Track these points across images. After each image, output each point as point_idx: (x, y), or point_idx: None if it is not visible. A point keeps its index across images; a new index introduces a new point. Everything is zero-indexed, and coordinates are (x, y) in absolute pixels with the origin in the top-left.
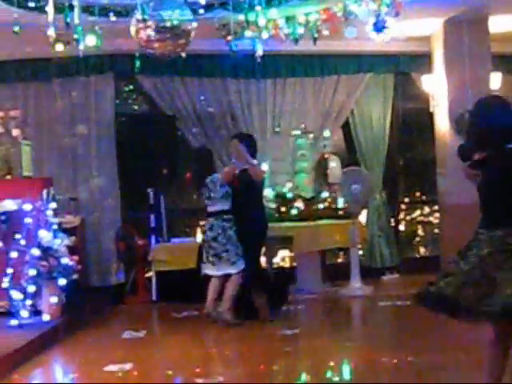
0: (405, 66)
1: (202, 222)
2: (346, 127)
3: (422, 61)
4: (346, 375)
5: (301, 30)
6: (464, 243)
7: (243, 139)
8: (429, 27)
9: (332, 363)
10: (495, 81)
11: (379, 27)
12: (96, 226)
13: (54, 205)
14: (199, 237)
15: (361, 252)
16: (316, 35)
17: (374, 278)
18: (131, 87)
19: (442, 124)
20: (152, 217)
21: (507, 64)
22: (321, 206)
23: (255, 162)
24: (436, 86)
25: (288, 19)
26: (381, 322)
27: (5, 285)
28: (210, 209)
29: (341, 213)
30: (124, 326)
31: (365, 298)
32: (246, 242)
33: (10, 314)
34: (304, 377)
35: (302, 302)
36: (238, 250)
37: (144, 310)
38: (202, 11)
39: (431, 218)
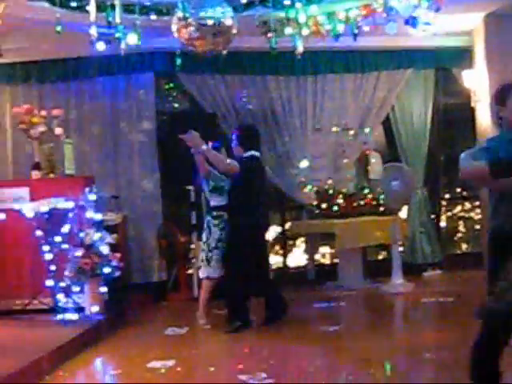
0: (445, 62)
1: None
2: (386, 123)
3: (462, 56)
4: (388, 372)
5: (341, 27)
6: None
7: (236, 129)
8: (470, 22)
9: (373, 360)
10: None
11: (413, 23)
12: (138, 224)
13: (95, 203)
14: None
15: (402, 248)
16: (356, 31)
17: (415, 274)
18: (171, 85)
19: (484, 119)
20: (193, 214)
21: None
22: (362, 202)
23: (204, 147)
24: (477, 82)
25: (328, 15)
26: (423, 318)
27: (48, 282)
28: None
29: (382, 209)
30: (166, 322)
31: (406, 295)
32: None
33: (54, 310)
34: (346, 374)
35: (342, 298)
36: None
37: (186, 306)
38: (242, 9)
39: (472, 214)
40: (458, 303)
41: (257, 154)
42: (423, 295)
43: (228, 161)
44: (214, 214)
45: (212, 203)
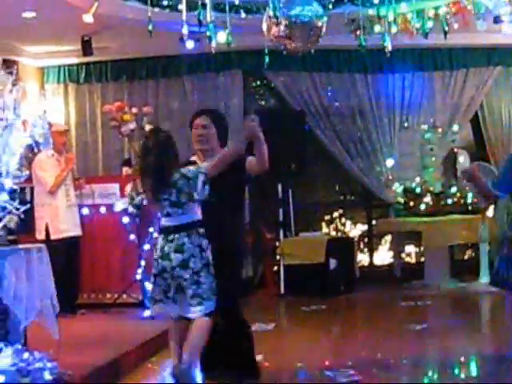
0: None
1: (327, 217)
2: (474, 121)
3: None
4: (474, 372)
5: (430, 24)
6: None
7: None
8: None
9: (461, 359)
10: None
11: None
12: None
13: None
14: (325, 231)
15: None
16: (446, 29)
17: None
18: (259, 83)
19: None
20: (280, 211)
21: None
22: (449, 201)
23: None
24: None
25: (417, 13)
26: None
27: (138, 277)
28: None
29: (470, 208)
30: (253, 318)
31: (493, 295)
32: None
33: (143, 305)
34: (432, 371)
35: (429, 297)
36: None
37: (272, 302)
38: (331, 7)
39: None
40: None
41: None
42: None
43: None
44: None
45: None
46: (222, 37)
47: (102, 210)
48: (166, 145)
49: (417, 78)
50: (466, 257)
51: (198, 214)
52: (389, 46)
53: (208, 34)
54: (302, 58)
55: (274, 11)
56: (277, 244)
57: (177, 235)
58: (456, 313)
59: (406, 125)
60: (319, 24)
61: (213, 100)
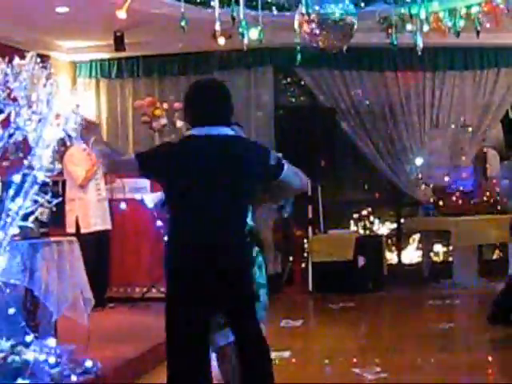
0: None
1: (355, 215)
2: (505, 121)
3: None
4: (504, 372)
5: (462, 23)
6: None
7: None
8: None
9: (489, 358)
10: None
11: None
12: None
13: None
14: (354, 229)
15: None
16: (479, 28)
17: None
18: (290, 80)
19: None
20: (309, 208)
21: None
22: (479, 200)
23: None
24: None
25: (449, 12)
26: None
27: None
28: None
29: (499, 207)
30: (281, 314)
31: None
32: None
33: None
34: (461, 372)
35: (457, 296)
36: None
37: (300, 299)
38: (363, 5)
39: None
40: None
41: None
42: None
43: None
44: None
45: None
46: (253, 34)
47: (133, 204)
48: None
49: (447, 76)
50: (494, 256)
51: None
52: (420, 45)
53: (241, 30)
54: (333, 56)
55: (306, 8)
56: (305, 241)
57: None
58: (483, 312)
59: (436, 124)
60: (351, 22)
61: (245, 96)
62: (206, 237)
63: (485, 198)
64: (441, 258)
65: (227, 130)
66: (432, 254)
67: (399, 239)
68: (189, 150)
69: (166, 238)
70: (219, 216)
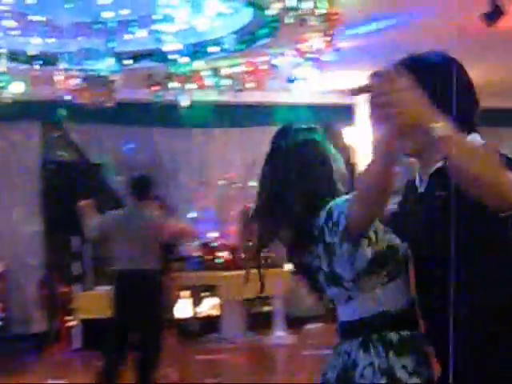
0: (328, 118)
1: None
2: None
3: (346, 113)
4: None
5: (226, 82)
6: None
7: None
8: (352, 79)
9: None
10: None
11: (295, 80)
12: (19, 273)
13: None
14: None
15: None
16: (240, 87)
17: (299, 326)
18: (58, 135)
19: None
20: (75, 264)
21: None
22: (245, 255)
23: None
24: (359, 138)
25: (213, 71)
26: (301, 371)
27: None
28: None
29: (266, 262)
30: (46, 374)
31: (288, 347)
32: None
33: None
34: None
35: (224, 351)
36: None
37: (67, 358)
38: (129, 61)
39: None
40: None
41: None
42: (304, 348)
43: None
44: None
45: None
46: (17, 87)
47: None
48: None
49: (215, 133)
50: (261, 310)
51: None
52: (185, 102)
53: (1, 84)
54: (101, 111)
55: (69, 64)
56: (72, 298)
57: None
58: (250, 366)
59: (204, 180)
60: (114, 78)
61: (9, 150)
62: None
63: (250, 253)
64: (209, 312)
65: None
66: (203, 309)
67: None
68: None
69: None
70: None
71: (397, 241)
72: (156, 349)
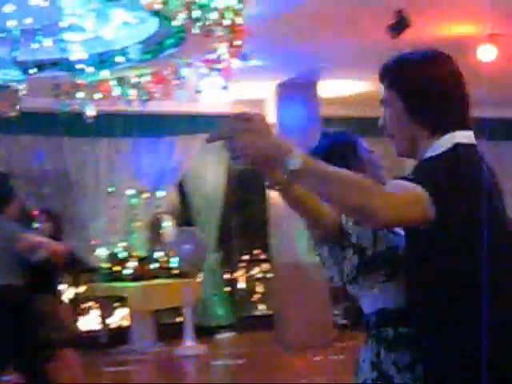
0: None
1: None
2: (180, 187)
3: None
4: None
5: (133, 92)
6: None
7: None
8: (262, 90)
9: None
10: None
11: (203, 90)
12: None
13: None
14: None
15: (193, 311)
16: (146, 97)
17: (209, 336)
18: None
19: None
20: None
21: (336, 127)
22: (155, 265)
23: None
24: None
25: (120, 81)
26: (211, 381)
27: None
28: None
29: (175, 272)
30: None
31: (198, 358)
32: None
33: None
34: None
35: (134, 362)
36: None
37: None
38: (34, 71)
39: (270, 275)
40: (247, 365)
41: None
42: (214, 358)
43: None
44: None
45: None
46: None
47: None
48: None
49: (124, 143)
50: (171, 320)
51: None
52: (91, 112)
53: None
54: (6, 121)
55: None
56: None
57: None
58: (159, 377)
59: (112, 189)
60: (17, 88)
61: None
62: None
63: (160, 264)
64: (119, 323)
65: None
66: (113, 320)
67: (78, 306)
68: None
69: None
70: None
71: (396, 241)
72: (33, 372)
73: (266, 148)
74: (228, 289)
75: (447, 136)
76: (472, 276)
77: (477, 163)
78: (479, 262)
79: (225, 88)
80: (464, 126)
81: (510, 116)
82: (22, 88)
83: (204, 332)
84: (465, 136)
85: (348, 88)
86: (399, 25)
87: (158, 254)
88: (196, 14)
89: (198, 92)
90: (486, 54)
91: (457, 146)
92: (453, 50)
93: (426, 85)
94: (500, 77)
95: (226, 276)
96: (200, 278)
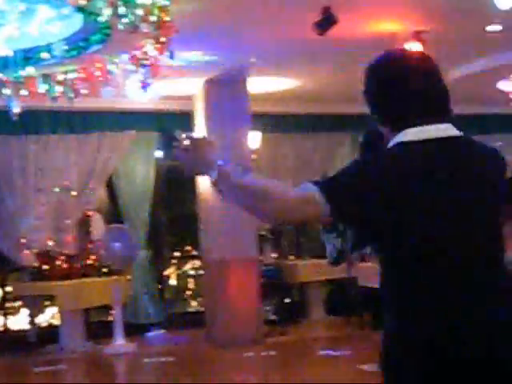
0: (168, 125)
1: None
2: (109, 184)
3: (184, 119)
4: None
5: (59, 88)
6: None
7: None
8: (190, 87)
9: None
10: (255, 139)
11: (132, 87)
12: None
13: None
14: None
15: (123, 309)
16: (72, 95)
17: (139, 334)
18: None
19: (203, 181)
20: None
21: (265, 123)
22: (84, 263)
23: None
24: None
25: (46, 77)
26: (143, 379)
27: None
28: None
29: (105, 270)
30: None
31: (129, 355)
32: None
33: None
34: None
35: (63, 361)
36: None
37: None
38: None
39: (202, 272)
40: (178, 362)
41: None
42: (145, 355)
43: None
44: None
45: None
46: None
47: None
48: None
49: (51, 140)
50: (101, 319)
51: None
52: (17, 109)
53: None
54: None
55: None
56: None
57: None
58: (89, 376)
59: (40, 187)
60: None
61: None
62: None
63: (89, 262)
64: (48, 322)
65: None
66: (40, 319)
67: (3, 305)
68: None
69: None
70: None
71: None
72: None
73: (200, 164)
74: (159, 286)
75: (400, 134)
76: (402, 262)
77: (408, 160)
78: (402, 250)
79: (150, 85)
80: (418, 123)
81: None
82: None
83: (134, 330)
84: (414, 133)
85: (276, 84)
86: (326, 22)
87: (87, 252)
88: (121, 9)
89: (127, 88)
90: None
91: (399, 144)
92: (380, 47)
93: (372, 86)
94: None
95: (157, 273)
96: (130, 275)
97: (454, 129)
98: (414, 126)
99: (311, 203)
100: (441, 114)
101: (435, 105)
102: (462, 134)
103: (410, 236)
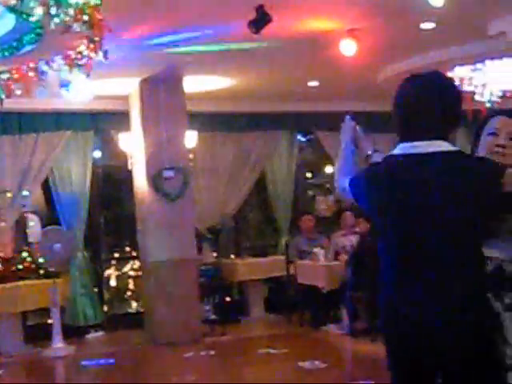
0: (104, 124)
1: None
2: (46, 185)
3: (120, 119)
4: None
5: None
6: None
7: None
8: (126, 86)
9: None
10: (191, 138)
11: (66, 86)
12: None
13: None
14: None
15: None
16: (3, 96)
17: (78, 336)
18: None
19: (140, 182)
20: None
21: (201, 122)
22: (21, 266)
23: None
24: (134, 144)
25: None
26: (81, 381)
27: None
28: None
29: (42, 272)
30: None
31: (67, 358)
32: None
33: None
34: None
35: (1, 365)
36: None
37: None
38: None
39: (141, 273)
40: (117, 364)
41: None
42: (84, 358)
43: None
44: None
45: None
46: None
47: None
48: None
49: None
50: (39, 321)
51: None
52: None
53: None
54: None
55: None
56: None
57: None
58: (28, 380)
59: None
60: None
61: None
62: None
63: (26, 264)
64: None
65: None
66: None
67: None
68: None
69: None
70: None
71: None
72: None
73: None
74: (98, 288)
75: (397, 147)
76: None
77: (386, 172)
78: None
79: (85, 84)
80: (408, 139)
81: (371, 109)
82: None
83: (73, 332)
84: (401, 147)
85: (212, 83)
86: (260, 20)
87: (24, 255)
88: (53, 9)
89: (62, 87)
90: (347, 48)
91: (389, 156)
92: (316, 44)
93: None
94: (361, 70)
95: (96, 275)
96: (68, 277)
97: (443, 145)
98: (407, 141)
99: (347, 192)
100: (431, 132)
101: (419, 127)
102: (449, 149)
103: (386, 234)
